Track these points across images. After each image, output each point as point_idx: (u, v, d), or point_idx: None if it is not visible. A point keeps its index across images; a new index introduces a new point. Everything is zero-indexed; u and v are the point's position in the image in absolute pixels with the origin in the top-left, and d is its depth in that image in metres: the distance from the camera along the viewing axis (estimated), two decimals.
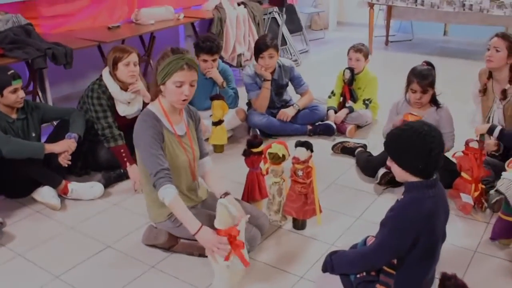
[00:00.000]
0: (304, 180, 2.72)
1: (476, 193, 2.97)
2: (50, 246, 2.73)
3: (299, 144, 2.73)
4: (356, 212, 3.05)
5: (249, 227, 2.53)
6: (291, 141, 2.88)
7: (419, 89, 3.25)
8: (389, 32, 7.40)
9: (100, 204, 3.16)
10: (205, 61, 3.86)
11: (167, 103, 2.51)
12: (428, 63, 3.36)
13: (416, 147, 1.99)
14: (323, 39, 7.94)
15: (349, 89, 4.27)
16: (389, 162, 2.12)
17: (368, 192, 3.30)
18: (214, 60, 3.90)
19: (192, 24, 5.16)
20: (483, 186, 3.02)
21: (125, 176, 3.40)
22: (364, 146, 3.78)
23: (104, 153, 3.36)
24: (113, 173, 3.36)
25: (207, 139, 3.94)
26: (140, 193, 3.24)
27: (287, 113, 4.08)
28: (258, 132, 4.03)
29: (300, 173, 2.72)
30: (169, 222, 2.58)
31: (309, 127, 4.13)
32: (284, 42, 6.32)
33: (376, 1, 6.63)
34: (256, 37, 5.27)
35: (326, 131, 4.10)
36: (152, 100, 2.57)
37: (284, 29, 6.29)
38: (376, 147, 3.78)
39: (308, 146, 2.72)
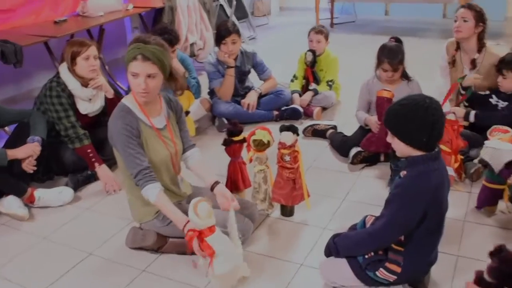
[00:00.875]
0: (292, 165, 2.64)
1: (456, 164, 3.00)
2: (25, 260, 2.51)
3: (284, 129, 2.64)
4: (340, 193, 3.01)
5: (241, 218, 2.43)
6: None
7: (390, 68, 3.25)
8: (333, 15, 7.45)
9: (71, 210, 2.94)
10: None
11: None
12: (396, 39, 3.36)
13: (419, 120, 1.94)
14: (267, 25, 7.88)
15: (312, 72, 4.22)
16: (389, 139, 2.07)
17: (347, 173, 3.27)
18: (173, 51, 3.73)
19: (140, 14, 4.93)
20: (462, 157, 3.05)
21: (93, 178, 3.19)
22: (335, 127, 3.75)
23: (69, 155, 3.13)
24: (80, 175, 3.14)
25: None
26: (113, 194, 3.07)
27: (250, 99, 3.97)
28: (226, 122, 3.90)
29: (287, 158, 2.63)
30: (157, 221, 2.43)
31: (276, 112, 4.05)
32: None
33: None
34: (208, 26, 5.13)
35: (293, 115, 4.03)
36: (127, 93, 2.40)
37: (233, 17, 6.16)
38: (344, 127, 3.75)
39: (294, 130, 2.64)
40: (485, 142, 2.66)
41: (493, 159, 2.62)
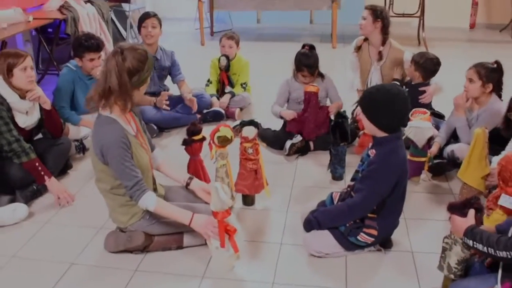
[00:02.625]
0: (255, 156, 2.87)
1: None
2: (1, 282, 2.40)
3: (246, 124, 2.88)
4: (287, 181, 3.30)
5: None
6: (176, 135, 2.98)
7: (309, 74, 3.65)
8: (208, 24, 7.74)
9: (29, 226, 2.83)
10: (92, 60, 3.66)
11: (122, 106, 2.38)
12: (310, 46, 3.75)
13: (389, 108, 2.31)
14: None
15: (227, 75, 4.47)
16: (360, 116, 2.42)
17: (285, 163, 3.58)
18: (99, 58, 3.73)
19: (37, 28, 4.74)
20: None
21: (39, 193, 3.10)
22: (260, 125, 4.03)
23: (15, 170, 2.96)
24: (28, 191, 3.03)
25: None
26: (66, 206, 3.01)
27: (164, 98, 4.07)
28: (155, 127, 3.99)
29: (250, 150, 2.86)
30: (144, 221, 2.50)
31: (198, 115, 4.23)
32: (123, 40, 6.18)
33: None
34: (108, 35, 5.12)
35: (216, 117, 4.25)
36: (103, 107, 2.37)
37: (120, 28, 6.16)
38: (266, 124, 4.04)
39: (256, 125, 2.88)
40: (409, 122, 3.14)
41: (417, 136, 3.12)
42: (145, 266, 2.48)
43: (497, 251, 1.87)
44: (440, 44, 6.78)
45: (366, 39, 3.92)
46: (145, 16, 4.05)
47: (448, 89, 3.68)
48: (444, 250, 2.15)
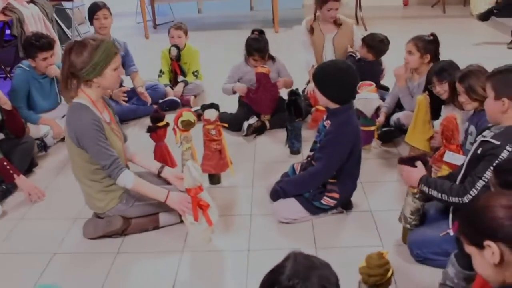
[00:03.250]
0: (218, 137, 3.04)
1: None
2: None
3: (207, 107, 3.04)
4: (248, 159, 3.49)
5: None
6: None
7: (259, 58, 3.83)
8: (150, 17, 7.76)
9: (4, 223, 2.88)
10: (45, 58, 3.69)
11: (94, 94, 2.50)
12: (259, 31, 3.93)
13: (340, 81, 2.54)
14: (89, 32, 7.85)
15: (178, 65, 4.59)
16: (313, 90, 2.63)
17: (245, 143, 3.76)
18: (52, 56, 3.76)
19: None
20: None
21: (9, 192, 3.15)
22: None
23: None
24: None
25: None
26: (38, 202, 3.08)
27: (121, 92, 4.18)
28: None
29: (213, 132, 3.03)
30: (121, 205, 2.63)
31: (154, 106, 4.33)
32: (67, 39, 6.15)
33: None
34: (54, 34, 5.10)
35: (171, 105, 4.37)
36: (72, 97, 2.49)
37: (63, 27, 6.13)
38: (221, 109, 4.19)
39: (216, 107, 3.04)
40: (357, 95, 3.38)
41: (365, 107, 3.38)
42: (126, 248, 2.61)
43: (450, 197, 2.14)
44: (377, 22, 7.11)
45: (315, 20, 4.12)
46: (96, 8, 4.08)
47: (388, 63, 3.97)
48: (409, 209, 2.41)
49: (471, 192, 2.09)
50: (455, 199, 2.14)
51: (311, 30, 4.10)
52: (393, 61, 3.84)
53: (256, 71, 3.76)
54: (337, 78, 2.53)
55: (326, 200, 2.66)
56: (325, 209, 2.71)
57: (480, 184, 2.06)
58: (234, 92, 3.96)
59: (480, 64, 2.72)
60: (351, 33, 4.09)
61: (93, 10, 4.11)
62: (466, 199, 2.11)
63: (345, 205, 2.79)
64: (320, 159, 2.63)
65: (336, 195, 2.66)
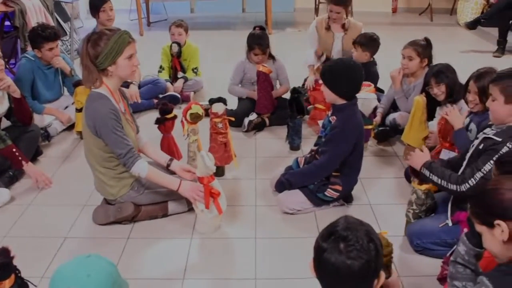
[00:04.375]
0: (225, 130, 3.14)
1: None
2: None
3: (215, 101, 3.13)
4: (250, 154, 3.59)
5: None
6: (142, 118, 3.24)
7: (261, 52, 3.94)
8: (143, 14, 7.82)
9: (13, 209, 2.94)
10: (51, 49, 3.75)
11: (112, 84, 2.58)
12: (261, 27, 4.05)
13: (346, 77, 2.67)
14: (83, 27, 7.89)
15: (179, 61, 4.67)
16: (322, 88, 2.76)
17: (245, 139, 3.86)
18: (57, 46, 3.82)
19: None
20: None
21: (16, 178, 3.20)
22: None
23: None
24: (5, 177, 3.13)
25: (71, 128, 3.91)
26: (46, 188, 3.14)
27: (133, 90, 4.23)
28: None
29: (220, 125, 3.13)
30: (133, 191, 2.71)
31: (155, 100, 4.42)
32: (64, 33, 6.18)
33: None
34: (56, 28, 5.13)
35: (172, 101, 4.42)
36: (93, 86, 2.56)
37: (60, 20, 6.16)
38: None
39: (224, 101, 3.14)
40: (357, 95, 3.51)
41: (364, 107, 3.49)
42: (136, 233, 2.69)
43: (449, 184, 2.28)
44: (366, 28, 7.23)
45: (329, 18, 4.26)
46: (102, 1, 4.15)
47: (381, 66, 4.12)
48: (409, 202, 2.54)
49: (469, 181, 2.23)
50: (453, 187, 2.28)
51: (322, 27, 4.24)
52: (382, 65, 4.01)
53: (257, 68, 3.87)
54: (346, 75, 2.66)
55: (329, 192, 2.78)
56: (327, 201, 2.83)
57: (478, 175, 2.21)
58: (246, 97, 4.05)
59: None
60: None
61: (99, 3, 4.16)
62: (463, 187, 2.25)
63: (346, 198, 2.91)
64: (325, 152, 2.75)
65: (339, 188, 2.78)
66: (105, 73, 2.54)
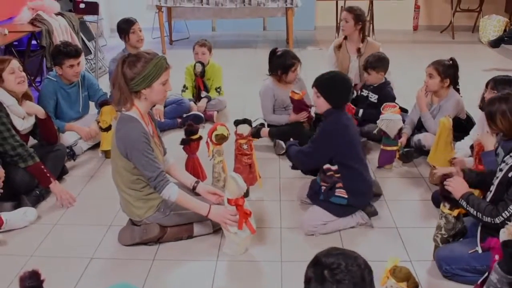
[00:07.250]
0: (250, 151, 3.14)
1: None
2: None
3: (240, 122, 3.14)
4: (273, 174, 3.59)
5: None
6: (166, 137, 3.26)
7: (299, 67, 3.93)
8: (166, 33, 7.92)
9: (39, 228, 2.97)
10: (72, 66, 3.80)
11: (143, 107, 2.60)
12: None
13: (341, 88, 2.82)
14: (106, 45, 8.02)
15: (202, 81, 4.71)
16: (315, 99, 2.87)
17: (268, 159, 3.86)
18: (78, 64, 3.87)
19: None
20: None
21: (42, 197, 3.23)
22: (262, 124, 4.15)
23: (21, 175, 3.06)
24: (33, 195, 3.16)
25: (97, 147, 3.94)
26: (69, 207, 3.15)
27: (159, 109, 4.29)
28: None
29: (245, 146, 3.13)
30: (159, 213, 2.71)
31: (179, 120, 4.45)
32: (88, 51, 6.29)
33: (164, 3, 7.06)
34: (79, 46, 5.22)
35: (195, 120, 4.43)
36: (123, 108, 2.57)
37: (85, 39, 6.27)
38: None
39: (249, 123, 3.15)
40: (381, 116, 3.50)
41: (389, 128, 3.49)
42: (162, 255, 2.69)
43: (484, 216, 2.28)
44: (387, 46, 7.24)
45: (345, 38, 4.27)
46: (131, 23, 4.26)
47: (400, 84, 4.10)
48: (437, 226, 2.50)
49: (503, 214, 2.24)
50: (488, 219, 2.28)
51: (339, 48, 4.27)
52: (403, 83, 3.97)
53: (291, 96, 3.80)
54: (340, 86, 2.82)
55: (338, 191, 2.83)
56: (344, 205, 2.84)
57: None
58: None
59: None
60: None
61: (129, 25, 4.26)
62: (497, 220, 2.25)
63: (368, 212, 2.94)
64: (308, 147, 2.89)
65: (341, 185, 2.83)
66: (138, 95, 2.56)
